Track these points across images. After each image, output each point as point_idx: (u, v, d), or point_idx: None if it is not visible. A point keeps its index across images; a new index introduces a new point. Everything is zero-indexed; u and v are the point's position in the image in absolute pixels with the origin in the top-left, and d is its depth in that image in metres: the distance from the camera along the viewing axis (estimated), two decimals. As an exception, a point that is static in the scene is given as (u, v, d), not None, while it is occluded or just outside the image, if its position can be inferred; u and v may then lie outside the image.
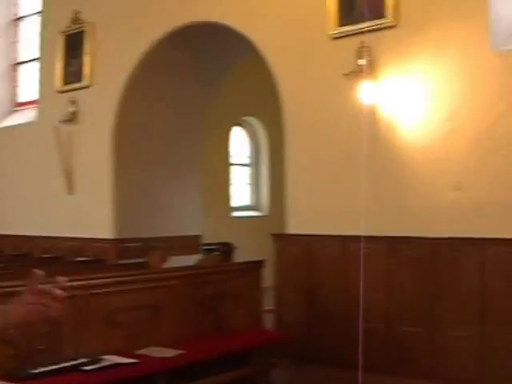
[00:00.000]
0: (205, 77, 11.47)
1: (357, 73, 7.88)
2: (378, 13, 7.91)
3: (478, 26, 7.34)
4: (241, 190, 15.12)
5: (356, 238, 7.63)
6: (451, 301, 7.43)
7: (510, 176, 7.10)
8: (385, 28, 7.89)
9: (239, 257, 11.65)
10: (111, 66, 10.95)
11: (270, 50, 8.96)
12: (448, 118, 7.48)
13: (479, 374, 7.26)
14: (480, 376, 7.25)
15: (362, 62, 7.86)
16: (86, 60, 11.23)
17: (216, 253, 11.54)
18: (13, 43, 13.84)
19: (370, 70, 7.85)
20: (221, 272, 7.98)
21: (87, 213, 11.20)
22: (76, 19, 11.39)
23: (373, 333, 7.69)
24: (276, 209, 12.28)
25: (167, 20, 10.15)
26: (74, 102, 11.35)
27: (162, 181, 11.28)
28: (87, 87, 11.28)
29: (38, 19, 12.78)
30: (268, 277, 8.62)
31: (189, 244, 11.20)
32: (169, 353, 6.56)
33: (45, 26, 12.31)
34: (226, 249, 12.53)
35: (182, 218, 11.60)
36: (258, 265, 8.05)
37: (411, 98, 7.76)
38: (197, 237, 11.73)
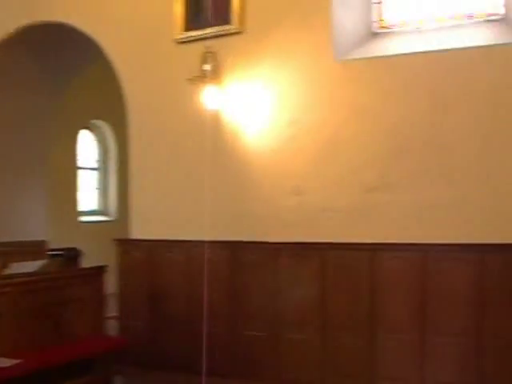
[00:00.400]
0: (52, 79, 11.18)
1: (201, 78, 7.89)
2: (224, 19, 7.97)
3: (321, 35, 7.51)
4: (89, 195, 14.85)
5: (200, 243, 7.69)
6: (293, 305, 7.56)
7: (351, 182, 7.31)
8: (230, 34, 7.95)
9: (87, 263, 11.38)
10: None
11: (116, 53, 8.84)
12: (291, 125, 7.62)
13: (321, 376, 7.44)
14: (321, 378, 7.43)
15: (207, 67, 7.88)
16: None
17: (61, 258, 11.25)
18: None
19: (215, 75, 7.88)
20: (62, 278, 7.75)
21: None
22: None
23: (217, 337, 7.76)
24: (124, 213, 12.11)
25: (8, 19, 9.77)
26: None
27: (6, 185, 10.92)
28: None
29: None
30: (114, 283, 8.54)
31: (33, 250, 10.86)
32: (5, 362, 6.33)
33: None
34: (73, 254, 12.25)
35: (27, 222, 11.28)
36: (100, 270, 7.89)
37: (255, 103, 7.84)
38: (42, 242, 11.41)
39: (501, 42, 6.89)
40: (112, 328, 8.58)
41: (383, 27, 7.76)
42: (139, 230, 8.63)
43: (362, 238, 7.21)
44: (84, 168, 14.59)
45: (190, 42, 8.19)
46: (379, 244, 7.13)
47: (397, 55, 7.22)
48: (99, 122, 14.71)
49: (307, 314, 7.49)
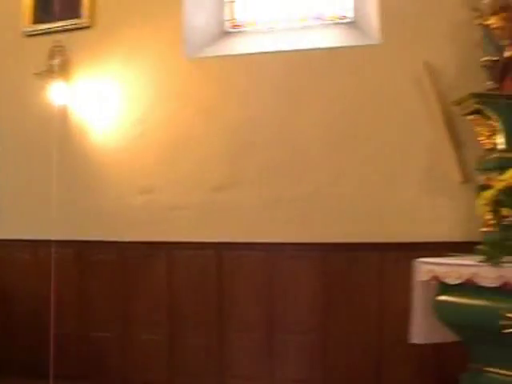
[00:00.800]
0: None
1: (49, 72, 7.68)
2: (74, 13, 7.80)
3: (173, 33, 7.46)
4: None
5: (47, 243, 7.47)
6: (141, 305, 7.47)
7: (199, 180, 7.30)
8: (80, 28, 7.77)
9: None
10: None
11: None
12: (140, 122, 7.54)
13: (170, 376, 7.37)
14: (170, 378, 7.36)
15: (55, 61, 7.68)
16: None
17: None
18: None
19: (63, 70, 7.69)
20: None
21: None
22: None
23: (65, 339, 7.54)
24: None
25: None
26: None
27: None
28: None
29: None
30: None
31: None
32: None
33: None
34: None
35: None
36: None
37: (104, 100, 7.70)
38: None
39: (349, 43, 7.07)
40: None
41: (235, 26, 7.78)
42: (-16, 229, 8.30)
43: (209, 237, 7.20)
44: None
45: (38, 35, 7.94)
46: (227, 243, 7.14)
47: (247, 54, 7.27)
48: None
49: (156, 314, 7.41)
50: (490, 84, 5.89)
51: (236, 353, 7.14)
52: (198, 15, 7.60)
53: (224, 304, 7.17)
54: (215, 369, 7.22)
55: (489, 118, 5.75)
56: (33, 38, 7.98)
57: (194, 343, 7.26)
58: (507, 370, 5.01)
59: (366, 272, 6.74)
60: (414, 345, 5.62)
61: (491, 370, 5.12)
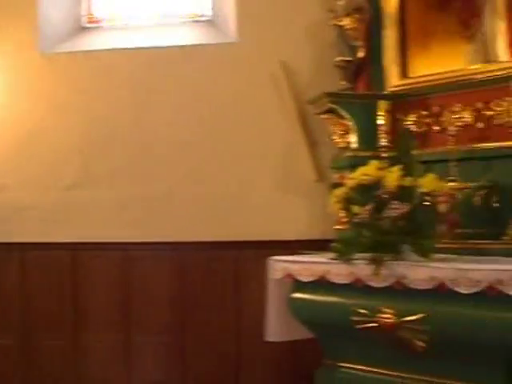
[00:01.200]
0: None
1: None
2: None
3: (26, 27, 7.19)
4: None
5: None
6: (-7, 308, 7.23)
7: (51, 179, 7.10)
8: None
9: None
10: None
11: None
12: (-10, 119, 7.28)
13: (24, 380, 7.16)
14: (25, 382, 7.15)
15: None
16: None
17: None
18: None
19: None
20: None
21: None
22: None
23: None
24: None
25: None
26: None
27: None
28: None
29: None
30: None
31: None
32: None
33: None
34: None
35: None
36: None
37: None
38: None
39: (206, 41, 7.07)
40: None
41: (92, 22, 7.63)
42: None
43: (63, 237, 6.99)
44: None
45: None
46: (80, 243, 6.97)
47: (101, 50, 7.12)
48: None
49: (8, 317, 7.18)
50: (343, 84, 6.00)
51: (92, 355, 7.01)
52: (53, 9, 7.37)
53: (79, 305, 7.02)
54: (71, 372, 7.05)
55: (342, 118, 5.82)
56: None
57: (48, 346, 7.07)
58: (359, 364, 5.08)
59: (223, 271, 6.76)
60: (271, 343, 5.61)
61: (345, 364, 5.18)
